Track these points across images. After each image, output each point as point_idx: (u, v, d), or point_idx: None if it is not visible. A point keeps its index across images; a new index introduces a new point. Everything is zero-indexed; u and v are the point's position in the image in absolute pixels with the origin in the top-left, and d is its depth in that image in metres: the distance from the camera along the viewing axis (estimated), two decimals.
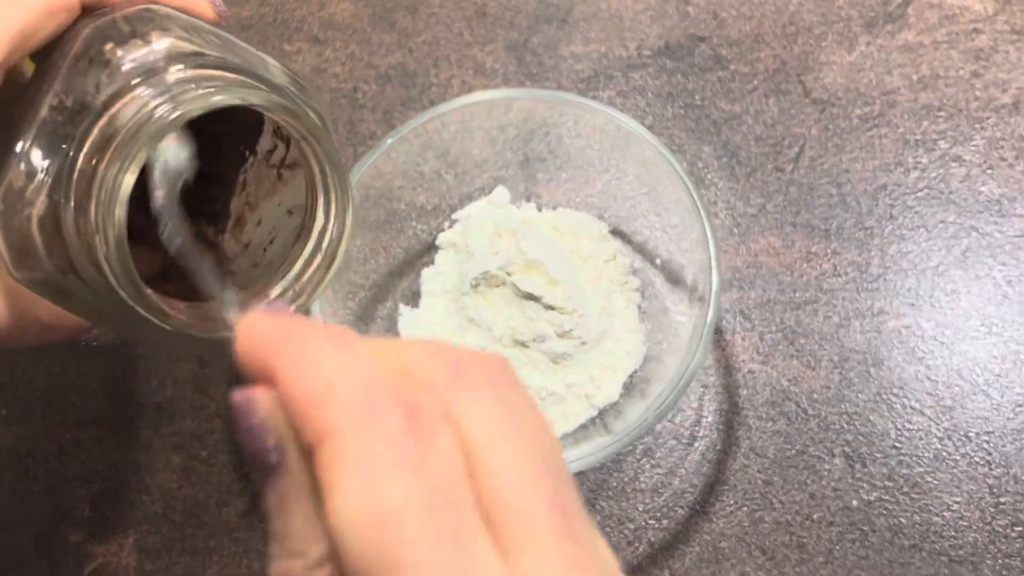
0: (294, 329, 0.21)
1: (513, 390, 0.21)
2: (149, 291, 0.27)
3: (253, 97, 0.27)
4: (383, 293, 0.50)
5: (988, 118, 0.51)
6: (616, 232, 0.50)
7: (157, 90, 0.26)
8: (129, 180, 0.26)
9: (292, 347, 0.21)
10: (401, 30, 0.56)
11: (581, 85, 0.54)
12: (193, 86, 0.26)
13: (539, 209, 0.51)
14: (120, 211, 0.26)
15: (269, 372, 0.20)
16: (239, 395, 0.21)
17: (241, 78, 0.28)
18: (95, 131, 0.26)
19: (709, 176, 0.52)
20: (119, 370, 0.51)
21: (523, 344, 0.46)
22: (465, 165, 0.51)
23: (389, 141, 0.47)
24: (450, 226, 0.51)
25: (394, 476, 0.19)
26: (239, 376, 0.21)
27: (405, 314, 0.49)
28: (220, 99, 0.26)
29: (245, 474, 0.49)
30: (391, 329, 0.49)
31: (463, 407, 0.20)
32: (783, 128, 0.52)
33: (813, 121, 0.52)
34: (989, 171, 0.50)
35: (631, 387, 0.47)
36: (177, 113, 0.26)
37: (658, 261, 0.48)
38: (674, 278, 0.48)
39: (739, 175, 0.51)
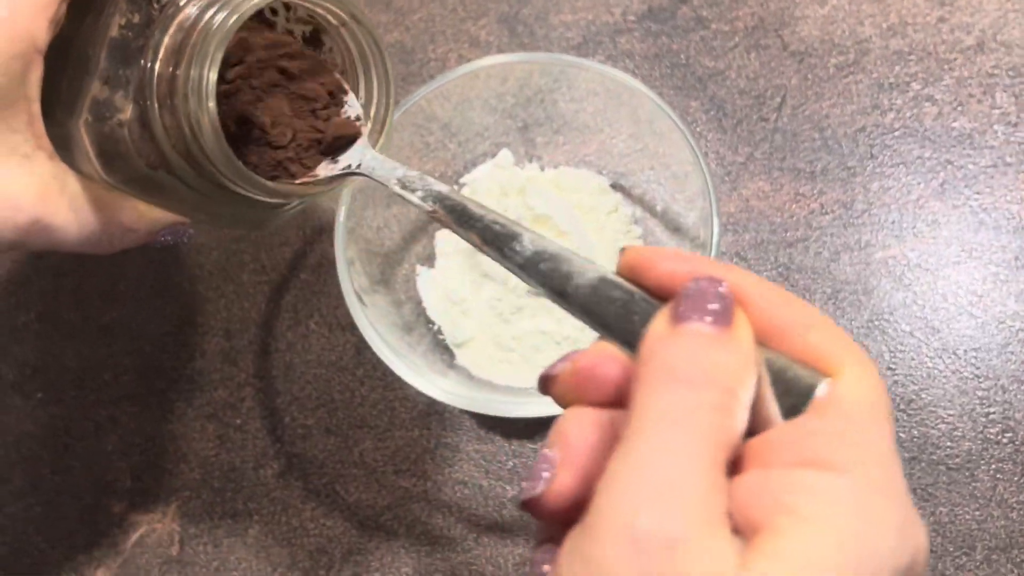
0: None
1: None
2: (253, 174, 0.31)
3: None
4: (400, 257, 0.51)
5: (955, 59, 0.53)
6: (615, 186, 0.52)
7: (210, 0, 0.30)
8: (214, 76, 0.29)
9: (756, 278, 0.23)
10: (397, 9, 0.58)
11: (571, 52, 0.56)
12: None
13: (541, 169, 0.53)
14: (212, 102, 0.29)
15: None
16: (704, 278, 0.22)
17: None
18: (166, 40, 0.30)
19: (698, 129, 0.54)
20: (148, 347, 0.52)
21: (536, 294, 0.48)
22: (467, 134, 0.53)
23: (397, 114, 0.48)
24: (459, 190, 0.53)
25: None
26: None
27: (423, 274, 0.51)
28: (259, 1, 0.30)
29: (279, 437, 0.50)
30: (410, 289, 0.51)
31: None
32: (765, 80, 0.54)
33: (792, 72, 0.54)
34: (959, 108, 0.53)
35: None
36: (235, 16, 0.29)
37: (658, 209, 0.51)
38: (674, 226, 0.50)
39: (726, 127, 0.54)
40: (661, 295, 0.24)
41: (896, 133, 0.52)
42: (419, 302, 0.51)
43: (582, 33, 0.57)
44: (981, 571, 0.45)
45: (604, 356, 0.24)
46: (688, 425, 0.20)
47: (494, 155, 0.53)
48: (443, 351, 0.50)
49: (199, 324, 0.53)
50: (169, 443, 0.51)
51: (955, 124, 0.52)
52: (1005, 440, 0.47)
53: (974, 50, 0.53)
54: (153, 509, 0.50)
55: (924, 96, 0.53)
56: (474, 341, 0.49)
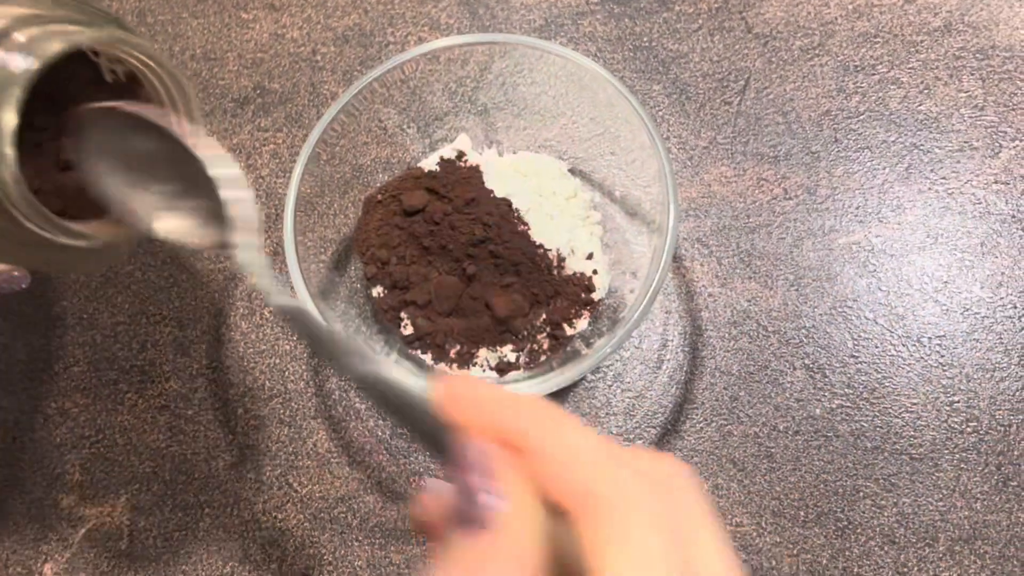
0: (530, 406, 0.22)
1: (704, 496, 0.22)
2: (55, 216, 0.30)
3: (80, 38, 0.30)
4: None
5: (922, 41, 0.52)
6: (575, 171, 0.50)
7: (9, 49, 0.29)
8: (10, 119, 0.28)
9: (540, 417, 0.21)
10: None
11: (533, 35, 0.54)
12: (41, 41, 0.29)
13: (500, 155, 0.51)
14: (9, 149, 0.28)
15: (506, 435, 0.21)
16: (475, 448, 0.21)
17: (80, 28, 0.31)
18: None
19: (660, 113, 0.52)
20: (99, 336, 0.50)
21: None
22: (426, 118, 0.51)
23: (350, 95, 0.46)
24: None
25: (666, 561, 0.19)
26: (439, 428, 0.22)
27: None
28: (59, 47, 0.29)
29: (231, 429, 0.49)
30: (364, 279, 0.49)
31: (681, 489, 0.22)
32: (728, 63, 0.52)
33: (756, 55, 0.52)
34: (926, 91, 0.51)
35: (599, 315, 0.47)
36: (38, 63, 0.28)
37: (617, 194, 0.49)
38: (632, 212, 0.48)
39: (689, 111, 0.52)
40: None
41: (861, 117, 0.51)
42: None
43: (544, 15, 0.55)
44: (944, 562, 0.43)
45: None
46: None
47: (453, 140, 0.51)
48: (399, 340, 0.48)
49: (151, 314, 0.51)
50: (119, 435, 0.49)
51: (921, 107, 0.50)
52: (969, 429, 0.45)
53: (941, 32, 0.51)
54: (102, 502, 0.48)
55: (890, 79, 0.51)
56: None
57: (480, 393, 0.22)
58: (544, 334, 0.46)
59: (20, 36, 0.29)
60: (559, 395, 0.47)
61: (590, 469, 0.20)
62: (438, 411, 0.22)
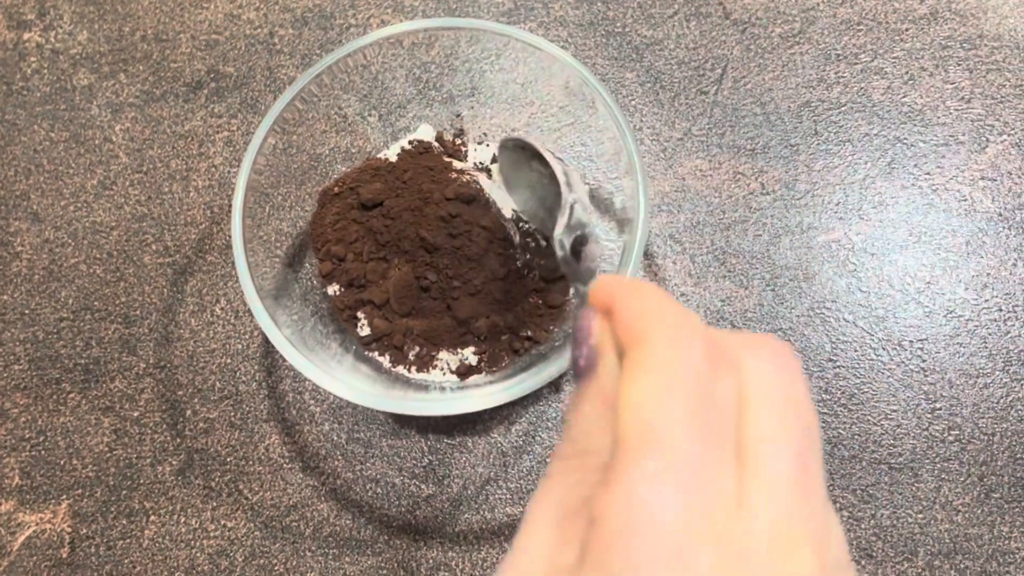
0: (630, 282, 0.25)
1: (794, 370, 0.23)
2: None
3: None
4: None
5: (907, 29, 0.48)
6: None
7: None
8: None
9: (627, 288, 0.24)
10: None
11: (502, 19, 0.51)
12: None
13: (464, 145, 0.48)
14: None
15: (608, 304, 0.24)
16: (583, 316, 0.25)
17: None
18: None
19: (633, 103, 0.48)
20: (41, 333, 0.47)
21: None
22: (389, 106, 0.47)
23: (307, 80, 0.43)
24: None
25: (682, 385, 0.21)
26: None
27: None
28: None
29: (179, 432, 0.45)
30: (319, 275, 0.45)
31: (750, 365, 0.23)
32: (705, 51, 0.49)
33: (734, 42, 0.49)
34: (911, 82, 0.47)
35: (565, 317, 0.44)
36: None
37: (589, 187, 0.45)
38: (603, 206, 0.45)
39: (663, 100, 0.48)
40: None
41: (843, 108, 0.47)
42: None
43: None
44: None
45: None
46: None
47: (416, 129, 0.47)
48: (356, 341, 0.44)
49: (96, 309, 0.47)
50: (61, 437, 0.45)
51: (905, 99, 0.47)
52: (951, 438, 0.42)
53: (927, 20, 0.48)
54: (43, 508, 0.44)
55: (873, 69, 0.48)
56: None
57: (609, 280, 0.25)
58: (507, 336, 0.42)
59: None
60: (524, 400, 0.44)
61: (649, 320, 0.23)
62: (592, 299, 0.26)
